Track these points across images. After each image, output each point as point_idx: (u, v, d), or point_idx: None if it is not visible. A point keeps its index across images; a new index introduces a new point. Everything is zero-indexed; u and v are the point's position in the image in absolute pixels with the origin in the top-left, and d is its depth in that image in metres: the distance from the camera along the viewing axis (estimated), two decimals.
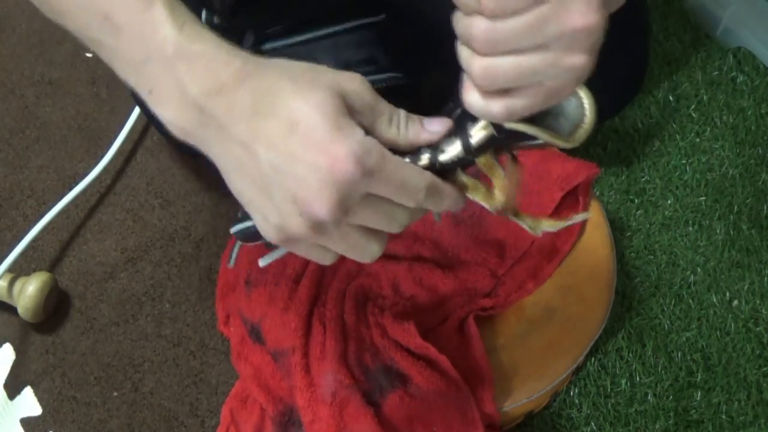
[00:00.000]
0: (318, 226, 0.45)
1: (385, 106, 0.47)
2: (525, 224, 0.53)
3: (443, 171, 0.49)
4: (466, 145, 0.48)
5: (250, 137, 0.44)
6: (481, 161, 0.49)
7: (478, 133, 0.48)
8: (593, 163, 0.86)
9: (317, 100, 0.43)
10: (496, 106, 0.44)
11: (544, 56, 0.42)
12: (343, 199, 0.43)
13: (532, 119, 0.46)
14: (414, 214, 0.48)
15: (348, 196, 0.44)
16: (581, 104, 0.49)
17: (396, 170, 0.45)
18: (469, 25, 0.42)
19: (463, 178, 0.50)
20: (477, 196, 0.51)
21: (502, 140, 0.48)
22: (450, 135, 0.49)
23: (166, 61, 0.45)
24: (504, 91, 0.44)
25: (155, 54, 0.45)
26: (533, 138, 0.47)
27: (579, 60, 0.43)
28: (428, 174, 0.47)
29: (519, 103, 0.44)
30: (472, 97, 0.45)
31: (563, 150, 0.85)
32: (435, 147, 0.49)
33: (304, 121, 0.43)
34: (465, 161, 0.49)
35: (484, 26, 0.42)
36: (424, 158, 0.48)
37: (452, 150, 0.48)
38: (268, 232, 0.47)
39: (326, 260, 0.49)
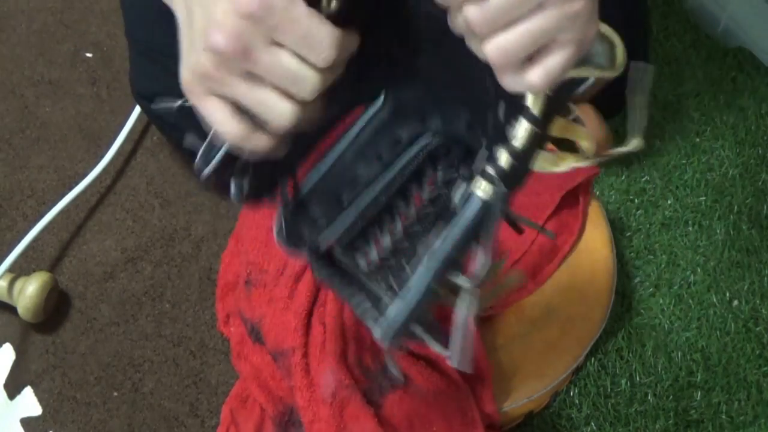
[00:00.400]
0: (221, 62, 0.44)
1: None
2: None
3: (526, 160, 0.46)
4: (532, 119, 0.45)
5: None
6: (555, 129, 0.47)
7: (534, 103, 0.45)
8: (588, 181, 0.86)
9: None
10: (533, 76, 0.44)
11: (546, 14, 0.42)
12: (242, 33, 0.43)
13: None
14: (324, 78, 0.45)
15: (248, 31, 0.43)
16: (601, 37, 0.48)
17: (301, 18, 0.43)
18: (465, 18, 0.42)
19: (547, 157, 0.48)
20: (569, 163, 0.49)
21: (557, 99, 0.45)
22: (509, 123, 0.46)
23: None
24: (530, 60, 0.44)
25: None
26: (582, 82, 0.46)
27: (578, 4, 0.43)
28: (337, 30, 0.44)
29: (550, 64, 0.44)
30: (507, 81, 0.44)
31: None
32: (505, 141, 0.45)
33: None
34: (539, 138, 0.45)
35: (475, 10, 0.42)
36: (503, 158, 0.45)
37: (521, 133, 0.45)
38: (184, 78, 0.47)
39: (233, 126, 0.47)
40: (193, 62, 0.46)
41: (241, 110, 0.47)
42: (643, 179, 0.98)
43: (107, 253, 0.96)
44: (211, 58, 0.45)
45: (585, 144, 0.49)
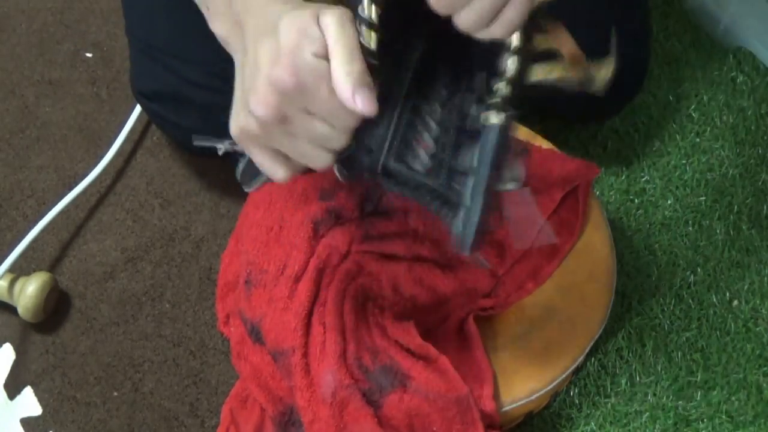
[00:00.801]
0: (263, 126, 0.53)
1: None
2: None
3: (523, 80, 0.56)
4: (515, 51, 0.55)
5: (251, 48, 0.53)
6: (541, 43, 0.57)
7: (514, 38, 0.55)
8: (593, 163, 0.86)
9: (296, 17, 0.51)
10: (496, 32, 0.53)
11: None
12: (279, 105, 0.51)
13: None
14: (351, 133, 0.54)
15: (284, 104, 0.51)
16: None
17: (329, 97, 0.51)
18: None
19: (541, 68, 0.57)
20: (558, 71, 0.58)
21: (531, 27, 0.55)
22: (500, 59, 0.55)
23: None
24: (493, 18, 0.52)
25: None
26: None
27: None
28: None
29: (507, 18, 0.52)
30: (480, 36, 0.53)
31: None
32: (501, 74, 0.56)
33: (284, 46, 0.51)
34: (525, 62, 0.56)
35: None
36: (503, 88, 0.55)
37: (510, 65, 0.55)
38: (233, 129, 0.56)
39: (278, 171, 0.56)
40: (241, 120, 0.55)
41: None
42: (643, 179, 0.98)
43: (107, 253, 0.96)
44: (254, 122, 0.53)
45: (567, 49, 0.57)
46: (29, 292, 0.87)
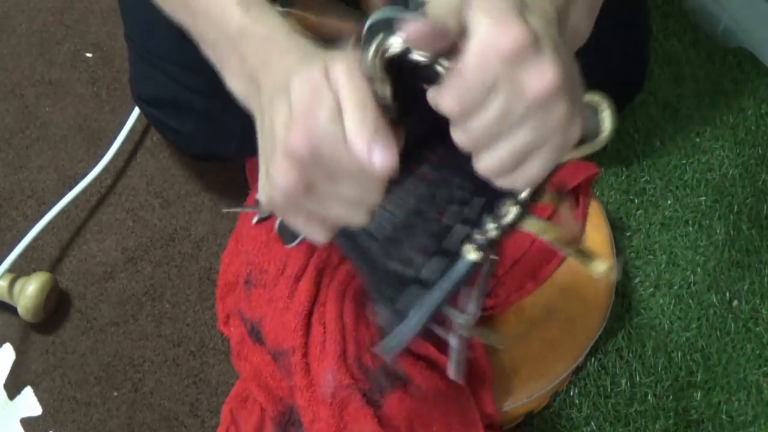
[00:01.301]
0: (288, 196, 0.49)
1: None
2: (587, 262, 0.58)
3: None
4: (522, 203, 0.53)
5: (267, 110, 0.50)
6: (548, 200, 0.55)
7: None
8: (593, 164, 0.86)
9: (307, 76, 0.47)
10: (518, 182, 0.48)
11: (526, 130, 0.44)
12: (300, 174, 0.47)
13: None
14: (383, 189, 0.49)
15: (304, 172, 0.47)
16: (595, 112, 0.53)
17: (349, 160, 0.46)
18: (456, 135, 0.46)
19: (537, 224, 0.55)
20: (551, 234, 0.56)
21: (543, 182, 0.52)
22: (501, 201, 0.53)
23: (232, 38, 0.53)
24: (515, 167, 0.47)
25: (224, 34, 0.53)
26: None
27: (559, 112, 0.44)
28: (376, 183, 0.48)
29: (531, 170, 0.47)
30: (497, 182, 0.49)
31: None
32: (496, 216, 0.53)
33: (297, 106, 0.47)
34: (525, 214, 0.54)
35: (461, 135, 0.45)
36: (492, 231, 0.53)
37: (511, 213, 0.53)
38: (262, 198, 0.52)
39: (316, 234, 0.52)
40: (267, 191, 0.50)
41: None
42: (643, 179, 0.98)
43: (107, 253, 0.96)
44: (279, 193, 0.49)
45: (568, 228, 0.56)
46: (29, 292, 0.87)
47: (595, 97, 0.51)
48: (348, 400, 0.71)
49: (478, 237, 0.54)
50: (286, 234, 0.59)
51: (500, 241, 0.54)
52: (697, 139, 1.01)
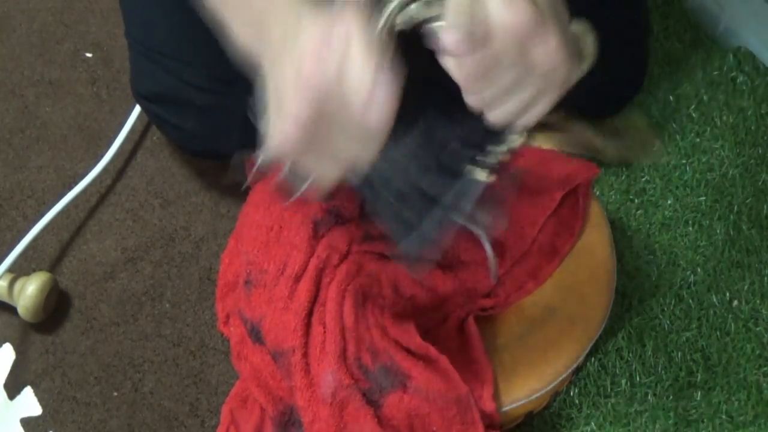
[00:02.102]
0: (303, 128, 0.51)
1: None
2: None
3: None
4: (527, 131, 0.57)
5: (277, 61, 0.52)
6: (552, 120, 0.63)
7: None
8: (593, 164, 0.86)
9: (325, 23, 0.49)
10: (524, 121, 0.54)
11: (535, 88, 0.51)
12: (315, 106, 0.49)
13: None
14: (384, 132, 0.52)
15: (319, 104, 0.49)
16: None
17: (354, 103, 0.49)
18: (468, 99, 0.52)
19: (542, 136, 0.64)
20: (554, 142, 0.65)
21: None
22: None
23: None
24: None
25: None
26: None
27: (562, 72, 0.51)
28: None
29: (536, 111, 0.53)
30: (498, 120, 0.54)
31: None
32: (504, 142, 0.58)
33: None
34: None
35: (474, 99, 0.52)
36: (501, 153, 0.58)
37: (517, 140, 0.58)
38: (272, 140, 0.53)
39: (326, 170, 0.54)
40: (281, 129, 0.52)
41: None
42: (643, 179, 0.98)
43: (107, 253, 0.96)
44: (295, 127, 0.51)
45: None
46: (29, 292, 0.87)
47: (578, 27, 0.56)
48: (348, 400, 0.71)
49: (484, 160, 0.58)
50: (287, 189, 0.60)
51: (508, 162, 0.58)
52: (697, 139, 1.01)
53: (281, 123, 0.52)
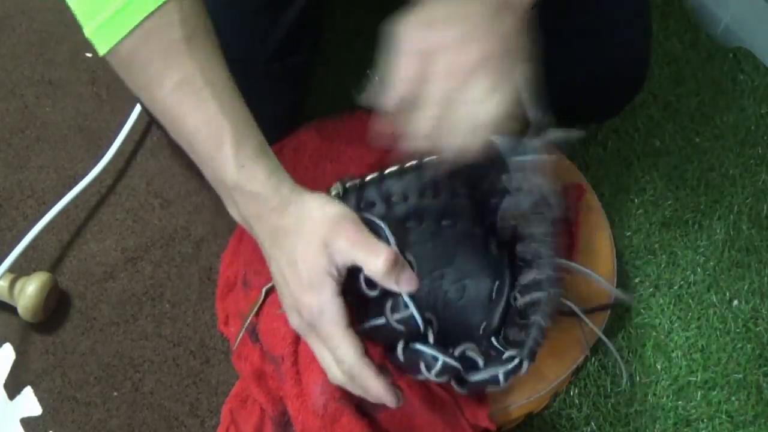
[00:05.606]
0: (297, 330, 0.63)
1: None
2: None
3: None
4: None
5: (271, 254, 0.63)
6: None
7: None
8: (581, 183, 0.86)
9: (308, 253, 0.58)
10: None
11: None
12: (301, 326, 0.62)
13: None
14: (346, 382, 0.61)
15: (304, 326, 0.61)
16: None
17: (331, 336, 0.59)
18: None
19: None
20: None
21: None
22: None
23: (227, 188, 0.62)
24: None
25: (220, 183, 0.62)
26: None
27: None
28: (357, 363, 0.58)
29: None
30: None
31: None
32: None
33: (296, 264, 0.60)
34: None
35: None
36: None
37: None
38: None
39: (319, 358, 0.63)
40: (290, 321, 0.64)
41: None
42: (643, 179, 0.98)
43: (107, 253, 0.96)
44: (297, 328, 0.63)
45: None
46: (29, 292, 0.87)
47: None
48: (340, 412, 0.70)
49: (517, 340, 0.66)
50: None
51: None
52: (697, 139, 1.01)
53: (289, 316, 0.63)
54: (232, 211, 0.65)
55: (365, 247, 0.57)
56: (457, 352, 0.62)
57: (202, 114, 0.60)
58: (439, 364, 0.59)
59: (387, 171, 0.75)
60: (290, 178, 0.62)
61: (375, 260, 0.57)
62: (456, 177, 0.72)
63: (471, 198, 0.73)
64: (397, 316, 0.58)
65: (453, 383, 0.64)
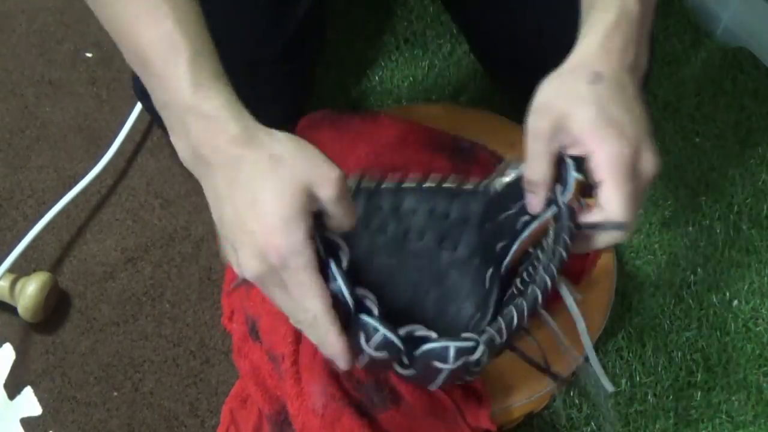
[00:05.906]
0: (259, 279, 0.55)
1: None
2: None
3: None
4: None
5: (225, 193, 0.55)
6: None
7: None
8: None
9: (281, 193, 0.52)
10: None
11: None
12: (263, 273, 0.54)
13: None
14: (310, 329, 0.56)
15: (268, 272, 0.54)
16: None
17: (302, 282, 0.53)
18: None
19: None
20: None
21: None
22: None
23: (180, 111, 0.55)
24: None
25: (173, 103, 0.56)
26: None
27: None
28: (322, 309, 0.54)
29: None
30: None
31: None
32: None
33: (262, 204, 0.52)
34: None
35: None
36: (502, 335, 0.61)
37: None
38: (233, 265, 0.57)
39: (279, 305, 0.57)
40: (241, 272, 0.56)
41: None
42: None
43: (107, 253, 0.96)
44: (246, 275, 0.55)
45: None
46: (29, 292, 0.87)
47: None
48: (340, 413, 0.70)
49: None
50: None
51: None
52: (697, 139, 1.01)
53: (240, 270, 0.55)
54: (181, 145, 0.57)
55: (346, 204, 0.55)
56: (403, 332, 0.60)
57: (159, 29, 0.56)
58: (378, 336, 0.56)
59: (405, 185, 0.75)
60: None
61: (349, 221, 0.56)
62: (473, 204, 0.72)
63: (480, 228, 0.72)
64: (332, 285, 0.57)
65: (396, 367, 0.61)
